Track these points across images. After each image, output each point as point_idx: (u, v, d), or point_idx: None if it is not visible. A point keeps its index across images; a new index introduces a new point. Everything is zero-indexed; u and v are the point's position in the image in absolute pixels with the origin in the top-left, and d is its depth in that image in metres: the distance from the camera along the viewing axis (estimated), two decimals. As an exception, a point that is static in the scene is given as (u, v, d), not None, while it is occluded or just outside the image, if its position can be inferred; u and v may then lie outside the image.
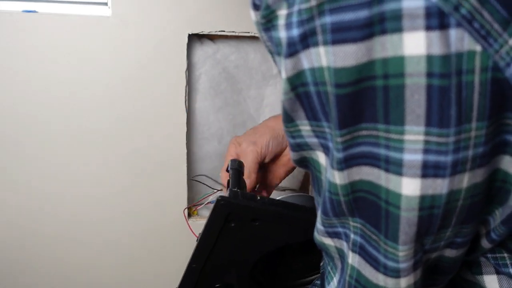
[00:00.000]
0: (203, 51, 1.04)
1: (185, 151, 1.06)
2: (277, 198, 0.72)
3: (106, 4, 1.00)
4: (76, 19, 0.95)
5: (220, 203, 0.56)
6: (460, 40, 0.31)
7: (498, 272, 0.46)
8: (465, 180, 0.35)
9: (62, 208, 1.07)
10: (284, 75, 0.37)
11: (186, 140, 1.06)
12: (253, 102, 1.12)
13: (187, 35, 0.99)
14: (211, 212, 0.58)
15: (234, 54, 1.06)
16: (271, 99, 1.13)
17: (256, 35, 1.03)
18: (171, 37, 0.98)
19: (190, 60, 1.03)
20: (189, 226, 0.93)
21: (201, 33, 1.00)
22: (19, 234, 1.07)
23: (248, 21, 1.01)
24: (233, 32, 1.01)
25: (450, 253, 0.42)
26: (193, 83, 1.05)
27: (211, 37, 1.06)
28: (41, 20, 0.95)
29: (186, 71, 1.01)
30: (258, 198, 0.58)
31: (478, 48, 0.32)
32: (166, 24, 0.98)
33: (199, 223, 1.06)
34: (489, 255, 0.46)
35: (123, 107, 1.01)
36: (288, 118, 0.41)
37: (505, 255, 0.45)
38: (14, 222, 1.06)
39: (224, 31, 1.01)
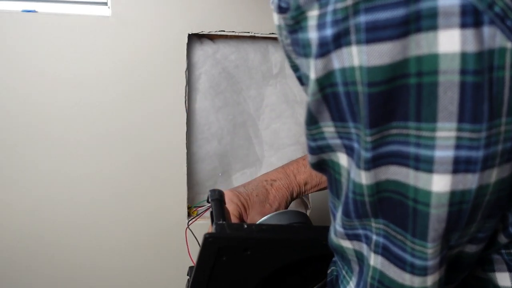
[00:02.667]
0: (203, 51, 1.04)
1: (185, 151, 1.06)
2: (262, 219, 0.70)
3: (106, 4, 1.00)
4: (76, 19, 0.95)
5: (209, 241, 0.54)
6: (492, 37, 0.32)
7: (511, 270, 0.47)
8: (493, 175, 0.36)
9: (61, 207, 1.07)
10: (313, 75, 0.37)
11: (186, 140, 1.06)
12: (253, 102, 1.12)
13: (187, 35, 0.99)
14: (200, 251, 0.56)
15: (234, 54, 1.06)
16: (271, 99, 1.13)
17: (257, 35, 1.03)
18: (171, 37, 0.98)
19: (190, 60, 1.03)
20: (189, 251, 0.92)
21: (201, 33, 1.00)
22: (20, 237, 1.07)
23: (248, 21, 1.01)
24: (233, 32, 1.01)
25: (470, 248, 0.42)
26: (193, 83, 1.05)
27: (211, 37, 1.05)
28: (41, 20, 0.95)
29: (186, 71, 1.01)
30: (245, 226, 0.57)
31: (509, 45, 0.32)
32: (166, 24, 0.98)
33: (199, 223, 1.06)
34: (503, 251, 0.47)
35: (123, 107, 1.01)
36: (312, 120, 0.40)
37: None
38: (15, 224, 1.06)
39: (224, 31, 1.01)
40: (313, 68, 0.37)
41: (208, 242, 0.54)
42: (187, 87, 1.03)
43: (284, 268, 0.63)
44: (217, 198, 0.64)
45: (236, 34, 1.02)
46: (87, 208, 1.07)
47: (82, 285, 1.14)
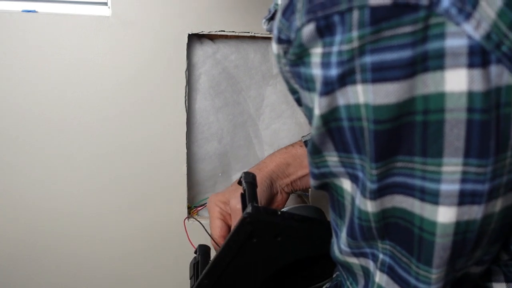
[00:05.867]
0: (203, 51, 1.04)
1: (185, 151, 1.06)
2: (284, 209, 0.70)
3: (106, 4, 1.00)
4: (76, 19, 0.95)
5: (246, 221, 0.54)
6: (500, 75, 0.32)
7: (507, 280, 0.47)
8: (498, 204, 0.36)
9: (64, 209, 1.07)
10: (317, 112, 0.37)
11: (186, 140, 1.06)
12: (253, 102, 1.12)
13: (187, 35, 0.99)
14: (235, 229, 0.56)
15: (234, 54, 1.06)
16: (271, 99, 1.13)
17: (257, 35, 1.03)
18: (171, 37, 0.98)
19: (190, 60, 1.03)
20: (188, 238, 0.92)
21: (201, 33, 1.00)
22: (21, 231, 1.07)
23: (248, 21, 1.01)
24: (233, 32, 1.01)
25: (475, 269, 0.43)
26: (193, 83, 1.05)
27: (211, 37, 1.05)
28: (41, 20, 0.95)
29: (186, 71, 1.01)
30: (279, 213, 0.56)
31: None
32: (166, 24, 0.98)
33: (199, 224, 1.06)
34: (501, 262, 0.47)
35: (123, 107, 1.01)
36: (316, 150, 0.41)
37: None
38: (17, 218, 1.06)
39: (224, 31, 1.01)
40: (317, 105, 0.37)
41: (246, 223, 0.54)
42: (187, 87, 1.03)
43: (300, 262, 0.63)
44: (251, 181, 0.63)
45: (236, 34, 1.02)
46: (87, 208, 1.07)
47: (83, 281, 1.14)
